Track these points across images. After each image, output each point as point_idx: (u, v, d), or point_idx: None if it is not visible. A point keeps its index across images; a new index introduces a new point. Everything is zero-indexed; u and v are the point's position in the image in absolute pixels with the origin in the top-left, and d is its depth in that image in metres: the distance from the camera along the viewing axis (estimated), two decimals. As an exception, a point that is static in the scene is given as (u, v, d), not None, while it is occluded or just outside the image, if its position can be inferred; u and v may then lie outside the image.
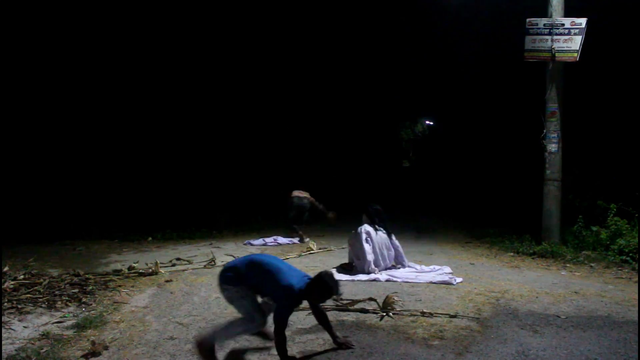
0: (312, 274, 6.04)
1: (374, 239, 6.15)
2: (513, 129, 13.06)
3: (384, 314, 4.34)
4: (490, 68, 14.47)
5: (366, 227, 6.22)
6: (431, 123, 31.28)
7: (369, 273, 5.95)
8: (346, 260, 6.49)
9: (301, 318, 4.27)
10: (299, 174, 11.91)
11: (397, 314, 4.35)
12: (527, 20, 7.80)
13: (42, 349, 3.60)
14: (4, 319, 4.13)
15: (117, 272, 6.09)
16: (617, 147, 9.96)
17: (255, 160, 15.50)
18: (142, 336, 3.88)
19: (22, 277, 5.37)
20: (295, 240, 9.00)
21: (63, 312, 4.48)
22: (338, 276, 5.87)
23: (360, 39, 19.10)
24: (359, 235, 6.15)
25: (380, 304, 4.50)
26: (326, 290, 3.32)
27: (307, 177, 10.79)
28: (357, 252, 6.13)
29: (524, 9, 8.51)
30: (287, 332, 3.90)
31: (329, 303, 4.67)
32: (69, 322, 4.20)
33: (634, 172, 8.55)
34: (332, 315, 4.34)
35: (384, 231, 6.30)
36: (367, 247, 6.04)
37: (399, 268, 6.28)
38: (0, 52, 10.54)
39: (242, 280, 3.41)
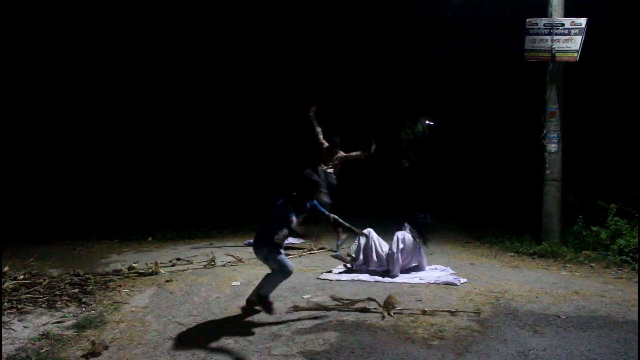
0: (312, 273, 6.05)
1: (408, 245, 6.04)
2: (513, 129, 13.06)
3: (386, 313, 4.33)
4: (490, 68, 14.46)
5: (403, 235, 6.08)
6: (431, 123, 31.26)
7: (384, 273, 5.93)
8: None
9: (302, 318, 4.27)
10: (299, 174, 11.90)
11: (398, 312, 4.35)
12: (527, 20, 7.80)
13: (42, 349, 3.60)
14: (4, 319, 4.13)
15: (117, 272, 6.09)
16: (617, 148, 9.96)
17: (255, 160, 15.50)
18: (142, 336, 3.88)
19: (22, 277, 5.36)
20: (294, 240, 8.88)
21: (63, 312, 4.48)
22: (338, 276, 5.87)
23: (360, 39, 19.10)
24: (395, 239, 6.01)
25: (381, 304, 4.50)
26: (310, 183, 4.34)
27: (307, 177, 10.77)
28: (382, 253, 6.03)
29: (524, 9, 8.51)
30: (287, 332, 3.92)
31: (330, 303, 4.68)
32: (69, 322, 4.20)
33: (634, 172, 8.55)
34: (332, 315, 4.34)
35: (419, 241, 6.17)
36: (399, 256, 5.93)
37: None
38: (0, 52, 10.54)
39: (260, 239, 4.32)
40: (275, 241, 4.22)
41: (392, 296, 4.57)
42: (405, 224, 6.24)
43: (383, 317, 4.25)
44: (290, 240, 8.95)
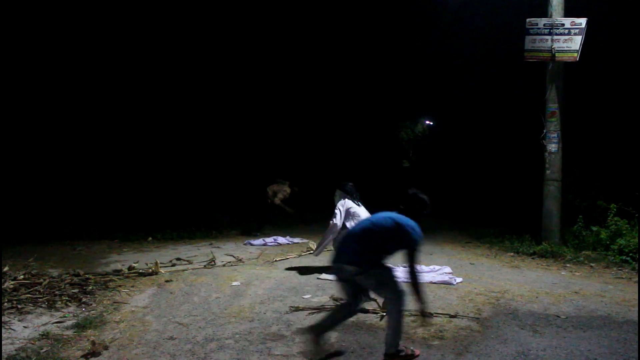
0: (312, 273, 6.04)
1: (359, 211, 6.10)
2: (513, 129, 13.06)
3: (384, 314, 4.33)
4: (490, 68, 14.47)
5: (347, 203, 6.12)
6: (431, 123, 31.28)
7: None
8: None
9: (301, 318, 4.27)
10: (299, 175, 11.98)
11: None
12: (527, 20, 7.80)
13: (42, 349, 3.60)
14: (4, 319, 4.13)
15: (117, 272, 6.09)
16: (617, 148, 9.96)
17: (254, 161, 15.50)
18: (142, 336, 3.88)
19: (22, 277, 5.36)
20: (296, 240, 9.04)
21: (63, 312, 4.48)
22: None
23: (360, 39, 19.10)
24: (336, 214, 6.03)
25: (380, 304, 4.50)
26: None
27: (308, 178, 10.87)
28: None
29: (524, 9, 8.52)
30: (287, 332, 3.92)
31: (330, 303, 4.68)
32: (69, 322, 4.20)
33: (634, 172, 8.55)
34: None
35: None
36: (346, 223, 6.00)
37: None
38: (0, 52, 10.55)
39: (385, 255, 3.30)
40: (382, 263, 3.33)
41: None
42: (336, 193, 6.32)
43: (382, 318, 4.25)
44: (289, 239, 9.04)
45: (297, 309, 4.51)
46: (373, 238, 3.27)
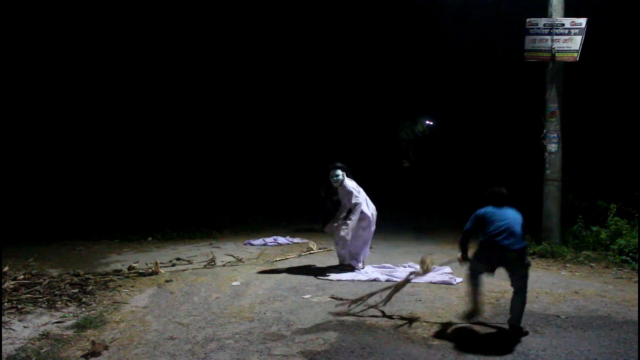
0: (312, 273, 6.04)
1: (361, 189, 6.12)
2: (513, 129, 13.06)
3: (384, 314, 4.33)
4: (491, 68, 14.48)
5: (353, 182, 6.11)
6: (431, 123, 31.31)
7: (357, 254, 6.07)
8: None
9: (301, 318, 4.27)
10: (299, 175, 11.98)
11: (403, 317, 4.35)
12: (527, 20, 7.80)
13: (42, 349, 3.60)
14: (4, 319, 4.13)
15: (117, 272, 6.09)
16: (617, 148, 9.96)
17: (254, 160, 15.51)
18: (142, 336, 3.88)
19: (22, 277, 5.35)
20: (296, 240, 9.03)
21: (63, 312, 4.48)
22: (338, 276, 5.87)
23: (360, 39, 19.12)
24: (346, 189, 5.98)
25: (421, 267, 4.59)
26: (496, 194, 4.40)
27: (306, 178, 10.86)
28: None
29: (524, 9, 8.51)
30: (287, 332, 3.92)
31: (331, 303, 4.67)
32: (69, 322, 4.20)
33: (634, 172, 8.55)
34: (331, 315, 4.34)
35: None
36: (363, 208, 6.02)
37: (398, 267, 6.29)
38: (0, 52, 10.55)
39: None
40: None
41: (424, 258, 4.60)
42: (338, 173, 6.17)
43: (382, 316, 4.24)
44: (289, 239, 9.01)
45: (338, 299, 4.68)
46: (518, 228, 4.06)
